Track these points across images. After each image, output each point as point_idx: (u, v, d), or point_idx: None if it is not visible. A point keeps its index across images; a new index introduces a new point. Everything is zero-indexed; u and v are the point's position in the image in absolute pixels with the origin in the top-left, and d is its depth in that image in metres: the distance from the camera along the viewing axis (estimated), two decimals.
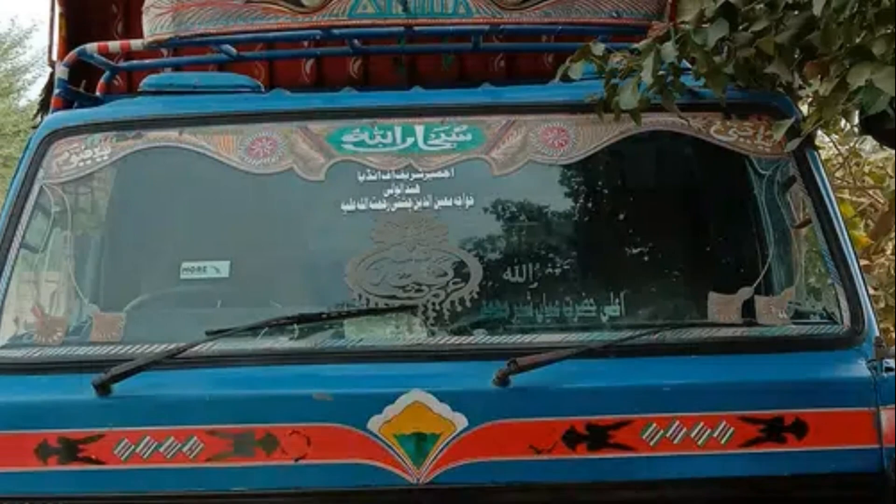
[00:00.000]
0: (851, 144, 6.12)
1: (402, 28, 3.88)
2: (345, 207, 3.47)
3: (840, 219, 3.43)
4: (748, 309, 3.30)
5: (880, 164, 6.03)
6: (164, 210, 3.79)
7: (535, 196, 3.60)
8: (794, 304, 3.37)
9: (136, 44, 4.02)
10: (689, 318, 3.38)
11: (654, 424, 3.08)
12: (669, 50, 3.32)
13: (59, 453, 3.08)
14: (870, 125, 3.33)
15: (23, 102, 21.19)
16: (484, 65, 4.56)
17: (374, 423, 3.05)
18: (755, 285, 3.36)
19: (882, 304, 5.58)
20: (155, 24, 3.91)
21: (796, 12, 3.27)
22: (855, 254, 3.40)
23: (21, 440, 3.10)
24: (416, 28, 3.87)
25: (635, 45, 3.46)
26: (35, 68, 21.31)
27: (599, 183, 3.75)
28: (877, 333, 3.24)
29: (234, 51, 4.12)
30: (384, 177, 3.47)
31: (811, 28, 3.21)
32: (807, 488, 3.09)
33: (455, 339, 3.24)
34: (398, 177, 3.47)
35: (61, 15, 4.47)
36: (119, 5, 4.74)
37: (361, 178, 3.48)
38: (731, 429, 3.08)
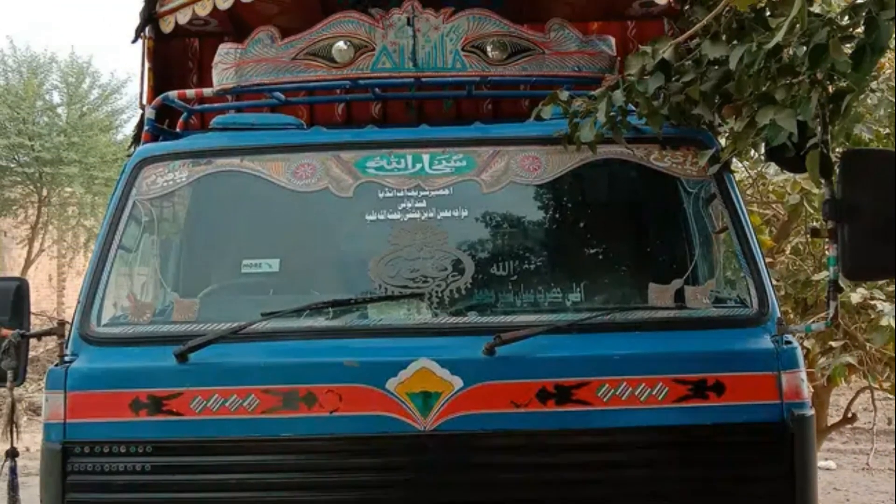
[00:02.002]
0: (759, 169, 6.12)
1: (412, 79, 3.88)
2: (368, 218, 3.46)
3: (750, 226, 3.42)
4: (679, 296, 3.30)
5: (781, 184, 6.02)
6: (229, 219, 3.79)
7: (516, 209, 3.59)
8: (714, 292, 3.36)
9: (207, 91, 4.02)
10: (633, 303, 3.37)
11: (607, 385, 3.08)
12: (618, 96, 3.33)
13: (147, 407, 3.09)
14: (773, 154, 3.32)
15: (119, 137, 21.08)
16: (475, 107, 4.54)
17: (391, 383, 3.05)
18: (685, 277, 3.35)
19: (783, 293, 5.58)
20: (222, 76, 3.92)
21: (717, 67, 3.28)
22: (762, 253, 3.40)
23: (118, 397, 3.11)
24: (423, 79, 3.87)
25: (592, 93, 3.47)
26: (129, 110, 21.19)
27: (565, 199, 3.74)
28: (779, 315, 3.24)
29: (282, 96, 4.12)
30: (398, 194, 3.47)
31: (728, 79, 3.22)
32: (724, 434, 3.08)
33: (453, 319, 3.24)
34: (409, 194, 3.47)
35: (150, 69, 4.46)
36: (194, 62, 4.74)
37: (381, 195, 3.48)
38: (666, 388, 3.08)
